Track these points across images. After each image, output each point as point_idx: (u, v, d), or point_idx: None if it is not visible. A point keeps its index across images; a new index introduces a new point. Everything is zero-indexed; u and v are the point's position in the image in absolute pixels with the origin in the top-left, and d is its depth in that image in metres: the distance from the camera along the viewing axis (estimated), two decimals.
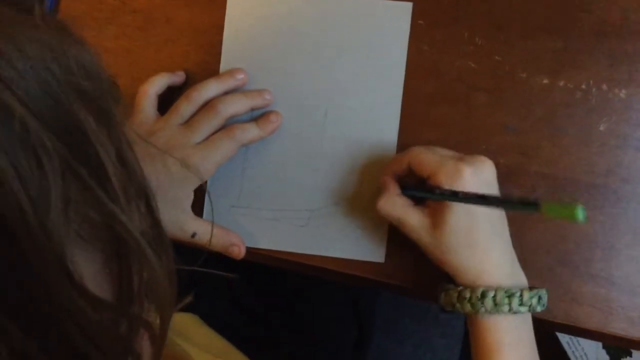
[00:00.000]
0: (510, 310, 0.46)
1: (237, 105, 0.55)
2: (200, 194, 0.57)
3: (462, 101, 0.55)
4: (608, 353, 0.98)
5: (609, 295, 0.53)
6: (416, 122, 0.55)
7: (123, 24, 0.59)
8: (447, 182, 0.47)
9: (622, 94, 0.53)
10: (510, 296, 0.46)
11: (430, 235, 0.49)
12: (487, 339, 0.48)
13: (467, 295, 0.47)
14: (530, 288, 0.48)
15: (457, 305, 0.49)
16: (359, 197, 0.55)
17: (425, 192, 0.49)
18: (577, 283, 0.53)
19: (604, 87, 0.54)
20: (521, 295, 0.46)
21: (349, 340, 0.76)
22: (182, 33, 0.58)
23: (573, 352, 0.98)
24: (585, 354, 0.98)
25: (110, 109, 0.27)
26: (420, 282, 0.54)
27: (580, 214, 0.35)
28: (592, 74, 0.54)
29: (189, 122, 0.54)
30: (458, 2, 0.55)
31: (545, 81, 0.54)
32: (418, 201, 0.50)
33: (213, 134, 0.54)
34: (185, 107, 0.55)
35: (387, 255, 0.55)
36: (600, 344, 0.98)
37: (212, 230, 0.53)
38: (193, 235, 0.54)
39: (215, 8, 0.57)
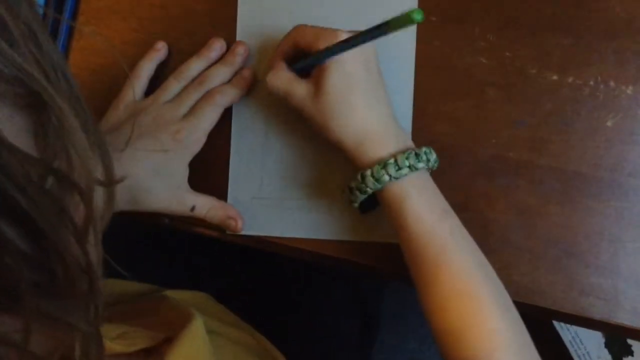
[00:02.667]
0: (390, 178, 0.48)
1: (220, 76, 0.57)
2: (221, 185, 0.58)
3: (472, 96, 0.56)
4: (610, 352, 0.98)
5: (615, 286, 0.54)
6: (428, 116, 0.57)
7: (142, 17, 0.60)
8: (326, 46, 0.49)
9: (629, 90, 0.55)
10: (384, 166, 0.48)
11: (312, 102, 0.50)
12: (390, 207, 0.49)
13: (353, 184, 0.50)
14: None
15: (352, 197, 0.51)
16: None
17: (305, 61, 0.51)
18: (584, 274, 0.54)
19: (612, 83, 0.55)
20: (395, 161, 0.48)
21: (354, 334, 0.77)
22: (200, 26, 0.59)
23: (575, 350, 0.99)
24: (587, 352, 0.99)
25: None
26: None
27: (417, 15, 0.38)
28: (600, 70, 0.55)
29: (176, 97, 0.57)
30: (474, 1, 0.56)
31: (555, 77, 0.55)
32: (305, 77, 0.53)
33: (196, 103, 0.56)
34: (173, 86, 0.57)
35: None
36: (602, 343, 0.99)
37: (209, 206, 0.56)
38: (192, 209, 0.56)
39: (233, 1, 0.59)
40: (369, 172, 0.49)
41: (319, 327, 0.76)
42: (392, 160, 0.48)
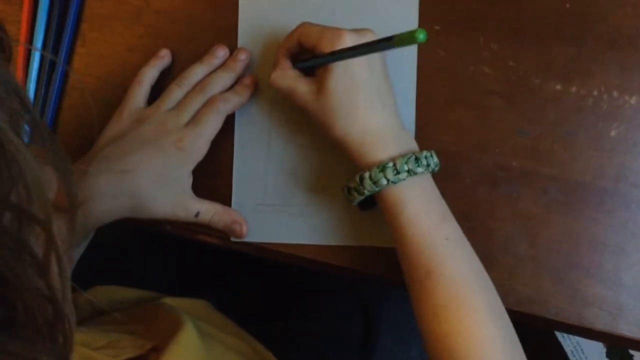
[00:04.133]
0: (388, 181, 0.48)
1: (222, 82, 0.57)
2: (225, 192, 0.58)
3: (476, 105, 0.56)
4: None
5: (618, 297, 0.54)
6: (431, 125, 0.57)
7: (147, 24, 0.60)
8: (329, 47, 0.49)
9: (633, 100, 0.55)
10: (382, 169, 0.48)
11: (315, 100, 0.51)
12: (388, 210, 0.49)
13: (352, 184, 0.50)
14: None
15: (350, 197, 0.51)
16: None
17: (309, 60, 0.52)
18: (587, 285, 0.54)
19: (615, 93, 0.55)
20: (394, 165, 0.48)
21: (355, 340, 0.77)
22: (204, 32, 0.59)
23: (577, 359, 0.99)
24: None
25: None
26: None
27: (420, 34, 0.39)
28: (603, 80, 0.55)
29: (178, 105, 0.57)
30: (474, 8, 0.57)
31: (558, 87, 0.55)
32: (309, 75, 0.53)
33: (199, 111, 0.56)
34: (176, 92, 0.57)
35: None
36: (604, 353, 0.99)
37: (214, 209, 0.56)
38: (196, 215, 0.56)
39: (237, 8, 0.59)
40: (367, 175, 0.49)
41: (321, 333, 0.76)
42: (390, 164, 0.48)
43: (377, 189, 0.49)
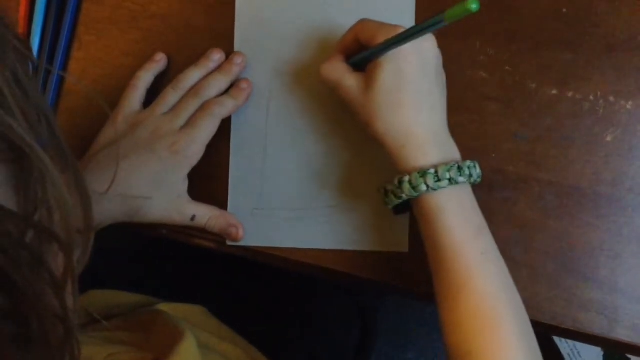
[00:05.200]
0: (428, 188, 0.47)
1: (217, 85, 0.57)
2: (221, 197, 0.58)
3: (472, 110, 0.56)
4: None
5: (615, 302, 0.54)
6: None
7: (143, 28, 0.60)
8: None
9: (629, 105, 0.55)
10: (424, 175, 0.47)
11: (362, 96, 0.50)
12: (424, 216, 0.48)
13: (390, 187, 0.49)
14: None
15: (387, 200, 0.50)
16: (378, 191, 0.56)
17: (361, 54, 0.51)
18: (583, 290, 0.54)
19: (611, 98, 0.55)
20: (436, 172, 0.47)
21: (351, 343, 0.76)
22: (199, 37, 0.59)
23: None
24: None
25: (3, 35, 0.28)
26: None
27: (473, 4, 0.38)
28: (599, 85, 0.55)
29: (173, 109, 0.56)
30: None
31: (554, 92, 0.55)
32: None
33: (194, 115, 0.56)
34: (171, 96, 0.57)
35: (405, 259, 0.56)
36: (601, 356, 0.99)
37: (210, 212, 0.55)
38: (192, 218, 0.56)
39: (233, 13, 0.59)
40: (406, 179, 0.48)
41: (317, 338, 0.75)
42: (432, 171, 0.47)
43: (415, 195, 0.48)
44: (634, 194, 0.54)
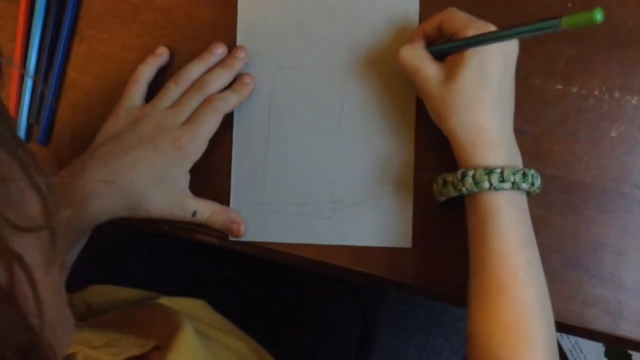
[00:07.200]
0: (491, 186, 0.47)
1: (220, 80, 0.56)
2: (223, 192, 0.57)
3: None
4: None
5: (619, 298, 0.53)
6: (431, 125, 0.56)
7: (145, 21, 0.60)
8: None
9: (634, 100, 0.54)
10: (489, 173, 0.47)
11: (440, 88, 0.49)
12: (478, 215, 0.48)
13: (450, 178, 0.49)
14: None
15: (444, 190, 0.50)
16: (381, 186, 0.56)
17: (446, 44, 0.50)
18: (587, 285, 0.54)
19: (617, 94, 0.55)
20: (502, 173, 0.47)
21: (352, 339, 0.76)
22: (203, 31, 0.59)
23: (575, 359, 0.99)
24: None
25: None
26: (438, 281, 0.55)
27: (598, 14, 0.35)
28: (605, 81, 0.55)
29: (175, 103, 0.56)
30: (474, 8, 0.56)
31: (559, 87, 0.55)
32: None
33: (196, 109, 0.55)
34: (173, 90, 0.56)
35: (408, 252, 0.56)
36: (602, 352, 0.99)
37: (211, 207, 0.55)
38: (194, 214, 0.55)
39: (236, 6, 0.58)
40: (471, 173, 0.47)
41: (318, 334, 0.75)
42: (498, 171, 0.47)
43: (476, 190, 0.47)
44: (639, 189, 0.54)
